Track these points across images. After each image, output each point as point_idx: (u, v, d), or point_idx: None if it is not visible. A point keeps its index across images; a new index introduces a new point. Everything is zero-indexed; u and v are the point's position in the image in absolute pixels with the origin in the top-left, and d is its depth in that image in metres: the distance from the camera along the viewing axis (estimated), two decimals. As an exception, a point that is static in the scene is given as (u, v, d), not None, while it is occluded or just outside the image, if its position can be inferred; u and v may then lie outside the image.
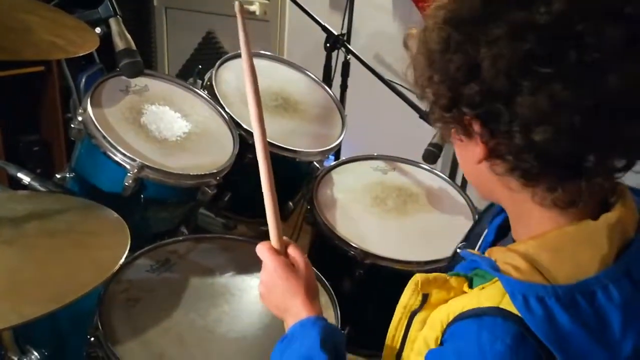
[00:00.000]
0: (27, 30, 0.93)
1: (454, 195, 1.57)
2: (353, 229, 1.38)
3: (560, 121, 0.51)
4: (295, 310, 0.77)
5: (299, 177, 1.54)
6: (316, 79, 1.74)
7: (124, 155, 1.13)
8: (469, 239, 0.84)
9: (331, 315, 1.14)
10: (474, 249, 0.76)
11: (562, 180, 0.55)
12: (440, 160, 1.62)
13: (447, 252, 1.34)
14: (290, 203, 1.57)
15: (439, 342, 0.59)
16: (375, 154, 1.67)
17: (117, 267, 0.82)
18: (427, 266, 1.33)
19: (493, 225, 0.75)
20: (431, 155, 1.56)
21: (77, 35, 1.02)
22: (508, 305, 0.54)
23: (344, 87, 2.10)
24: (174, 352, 0.99)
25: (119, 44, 1.19)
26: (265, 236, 1.72)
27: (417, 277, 0.66)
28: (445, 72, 0.57)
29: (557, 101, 0.50)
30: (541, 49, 0.50)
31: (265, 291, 0.81)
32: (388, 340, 0.70)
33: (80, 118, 1.16)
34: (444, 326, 0.58)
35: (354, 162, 1.64)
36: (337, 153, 1.89)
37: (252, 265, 1.26)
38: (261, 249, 0.83)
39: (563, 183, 0.55)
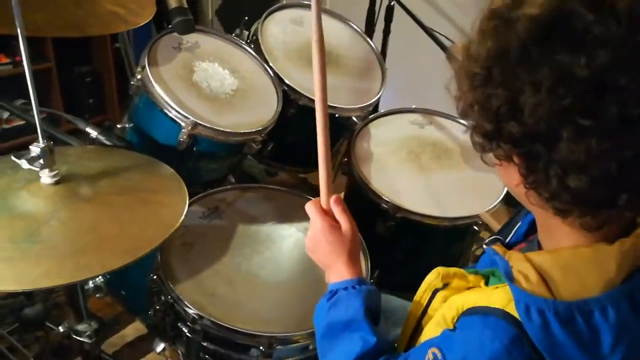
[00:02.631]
0: (91, 1, 1.00)
1: (488, 153, 1.62)
2: (387, 182, 1.45)
3: (596, 171, 0.53)
4: (338, 269, 0.86)
5: (338, 130, 1.61)
6: (359, 30, 1.76)
7: (179, 113, 1.23)
8: (505, 229, 0.90)
9: (362, 263, 1.26)
10: (506, 238, 0.82)
11: (594, 211, 0.59)
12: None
13: (476, 210, 1.42)
14: (329, 153, 1.66)
15: (454, 321, 0.68)
16: (414, 107, 1.70)
17: (178, 224, 0.94)
18: (456, 222, 1.42)
19: (527, 219, 0.80)
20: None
21: (134, 1, 1.08)
22: (512, 310, 0.60)
23: (386, 32, 2.10)
24: (224, 292, 1.13)
25: (172, 2, 1.25)
26: (303, 184, 1.83)
27: (440, 270, 0.76)
28: (486, 105, 0.58)
29: (593, 153, 0.52)
30: (582, 101, 0.52)
31: (311, 246, 0.90)
32: (413, 307, 0.80)
33: (139, 76, 1.25)
34: (459, 312, 0.67)
35: (392, 114, 1.67)
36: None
37: (293, 214, 1.38)
38: (310, 208, 0.90)
39: (594, 213, 0.59)
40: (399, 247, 1.53)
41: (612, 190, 0.56)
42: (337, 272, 0.86)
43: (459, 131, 1.66)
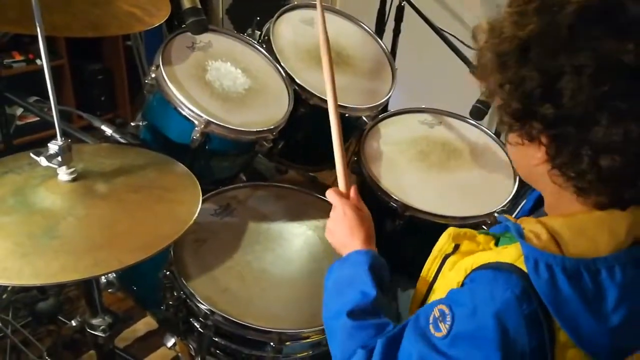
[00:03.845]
0: (108, 2, 1.02)
1: (497, 153, 1.61)
2: (396, 181, 1.46)
3: (632, 152, 0.56)
4: (354, 246, 0.90)
5: (347, 130, 1.62)
6: (369, 30, 1.76)
7: (192, 111, 1.25)
8: (510, 207, 0.93)
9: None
10: (512, 214, 0.85)
11: (614, 190, 0.61)
12: (487, 117, 1.65)
13: (484, 209, 1.42)
14: (339, 152, 1.67)
15: (460, 284, 0.69)
16: (423, 107, 1.71)
17: (192, 221, 0.96)
18: (464, 221, 1.42)
19: (532, 196, 0.83)
20: (478, 112, 1.59)
21: (150, 2, 1.10)
22: (521, 264, 0.62)
23: (396, 32, 2.10)
24: (236, 288, 1.15)
25: (185, 3, 1.27)
26: (312, 182, 1.84)
27: (451, 230, 0.78)
28: (519, 86, 0.60)
29: (632, 136, 0.55)
30: (623, 87, 0.54)
31: (333, 228, 0.95)
32: (423, 274, 0.82)
33: (153, 75, 1.27)
34: (467, 272, 0.68)
35: (402, 114, 1.68)
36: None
37: (304, 212, 1.39)
38: (331, 194, 0.98)
39: (613, 192, 0.62)
40: (408, 245, 1.53)
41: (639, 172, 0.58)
42: (354, 249, 0.90)
43: (469, 132, 1.66)
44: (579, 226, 0.63)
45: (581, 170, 0.60)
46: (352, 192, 0.99)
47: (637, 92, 0.55)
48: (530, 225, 0.65)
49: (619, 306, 0.60)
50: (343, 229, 0.92)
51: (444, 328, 0.65)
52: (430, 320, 0.67)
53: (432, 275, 0.79)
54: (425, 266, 0.81)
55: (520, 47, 0.59)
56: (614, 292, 0.60)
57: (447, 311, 0.65)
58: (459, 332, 0.63)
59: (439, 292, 0.76)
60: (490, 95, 0.67)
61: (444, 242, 0.78)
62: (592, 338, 0.61)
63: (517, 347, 0.60)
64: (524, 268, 0.62)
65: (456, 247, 0.77)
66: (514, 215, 0.83)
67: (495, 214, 1.34)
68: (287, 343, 1.09)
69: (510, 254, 0.65)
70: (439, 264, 0.78)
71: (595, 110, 0.56)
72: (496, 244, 0.73)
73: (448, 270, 0.76)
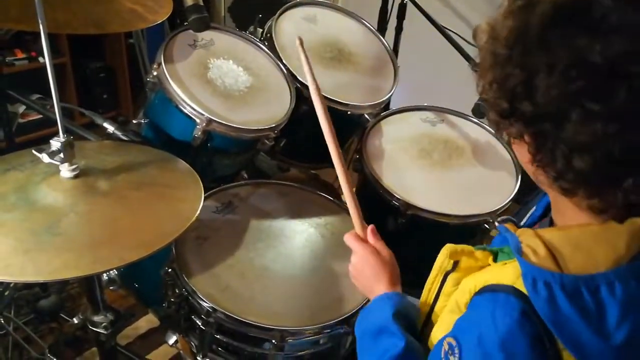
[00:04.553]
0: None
1: (499, 150, 1.60)
2: (398, 180, 1.45)
3: (599, 153, 0.55)
4: (380, 291, 0.89)
5: (349, 127, 1.62)
6: (372, 27, 1.76)
7: (194, 110, 1.24)
8: (519, 213, 0.92)
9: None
10: (521, 220, 0.83)
11: (599, 193, 0.60)
12: (489, 115, 1.65)
13: (487, 208, 1.42)
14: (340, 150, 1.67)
15: (467, 305, 0.68)
16: (425, 105, 1.71)
17: (194, 218, 0.96)
18: (467, 220, 1.42)
19: (542, 203, 0.81)
20: (481, 109, 1.59)
21: (152, -1, 1.10)
22: (521, 285, 0.61)
23: (399, 29, 2.10)
24: (237, 286, 1.15)
25: (188, 0, 1.27)
26: (314, 179, 1.83)
27: (448, 247, 0.77)
28: (503, 84, 0.60)
29: (598, 136, 0.54)
30: (592, 86, 0.54)
31: (356, 273, 0.96)
32: (424, 292, 0.81)
33: (155, 73, 1.27)
34: (472, 294, 0.67)
35: (404, 112, 1.68)
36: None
37: (306, 210, 1.39)
38: (349, 238, 0.98)
39: (600, 195, 0.60)
40: (410, 244, 1.53)
41: (615, 173, 0.57)
42: (379, 293, 0.89)
43: (471, 129, 1.66)
44: (575, 241, 0.62)
45: (559, 170, 0.59)
46: (370, 234, 0.98)
47: (607, 93, 0.54)
48: (528, 238, 0.64)
49: (622, 323, 0.58)
50: (367, 275, 0.93)
51: None
52: (442, 355, 0.67)
53: (434, 293, 0.79)
54: (426, 285, 0.80)
55: (506, 46, 0.60)
56: (615, 309, 0.58)
57: (454, 343, 0.65)
58: None
59: (443, 314, 0.76)
60: (484, 93, 0.67)
61: (442, 260, 0.77)
62: (596, 357, 0.59)
63: None
64: (523, 289, 0.61)
65: (456, 263, 0.76)
66: (522, 223, 0.82)
67: (496, 224, 1.33)
68: (289, 340, 1.09)
69: (509, 274, 0.64)
70: (440, 281, 0.78)
71: (567, 108, 0.55)
72: (495, 259, 0.72)
73: (451, 286, 0.75)
